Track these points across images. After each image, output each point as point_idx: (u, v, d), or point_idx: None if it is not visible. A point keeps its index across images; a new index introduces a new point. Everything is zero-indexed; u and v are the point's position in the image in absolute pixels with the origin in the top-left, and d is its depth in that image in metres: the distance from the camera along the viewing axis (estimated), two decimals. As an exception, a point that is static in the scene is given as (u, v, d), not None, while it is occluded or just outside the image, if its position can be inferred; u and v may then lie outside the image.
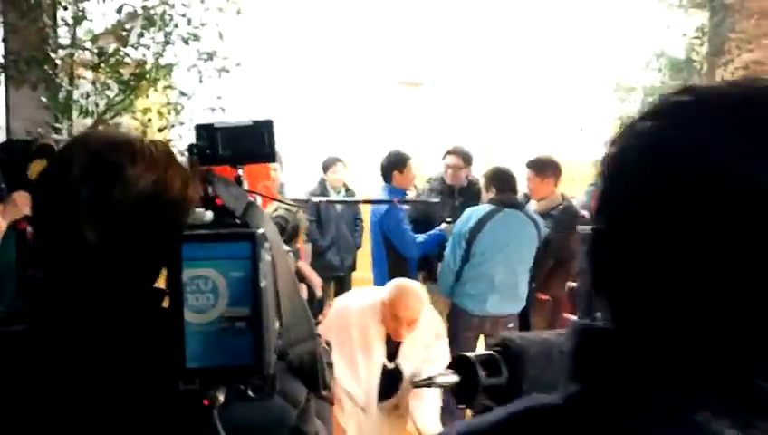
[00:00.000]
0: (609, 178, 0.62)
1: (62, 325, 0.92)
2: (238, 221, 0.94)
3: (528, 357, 0.90)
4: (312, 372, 1.03)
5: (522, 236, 4.34)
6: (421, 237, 4.76)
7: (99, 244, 0.90)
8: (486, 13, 7.77)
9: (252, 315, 0.81)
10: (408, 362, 2.98)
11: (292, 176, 6.84)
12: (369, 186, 7.48)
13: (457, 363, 0.91)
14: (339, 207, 6.39)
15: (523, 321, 4.79)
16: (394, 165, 5.09)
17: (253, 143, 1.27)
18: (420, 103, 7.94)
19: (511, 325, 4.30)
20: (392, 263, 4.73)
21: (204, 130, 1.27)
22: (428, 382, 0.93)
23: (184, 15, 4.54)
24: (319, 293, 1.59)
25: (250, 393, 0.85)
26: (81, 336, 0.91)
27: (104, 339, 0.91)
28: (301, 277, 1.55)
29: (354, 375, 2.90)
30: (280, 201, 1.67)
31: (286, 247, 1.45)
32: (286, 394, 0.96)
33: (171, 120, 5.01)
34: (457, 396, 0.92)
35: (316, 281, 1.59)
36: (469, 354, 0.92)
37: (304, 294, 1.52)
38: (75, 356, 0.91)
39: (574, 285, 5.68)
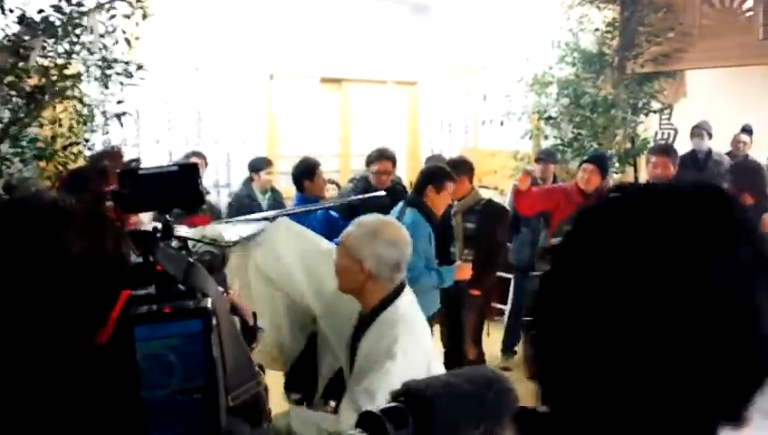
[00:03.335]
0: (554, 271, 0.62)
1: None
2: (182, 287, 0.92)
3: (434, 404, 0.93)
4: (255, 411, 1.09)
5: (417, 232, 4.09)
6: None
7: (34, 307, 0.91)
8: (408, 11, 7.78)
9: (207, 385, 0.84)
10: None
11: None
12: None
13: (365, 420, 0.94)
14: (265, 207, 6.29)
15: (454, 317, 4.85)
16: (303, 174, 5.03)
17: (179, 188, 1.25)
18: (341, 101, 7.88)
19: None
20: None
21: (127, 178, 1.22)
22: None
23: (83, 25, 4.33)
24: (251, 321, 1.53)
25: None
26: (16, 395, 0.91)
27: (41, 398, 0.91)
28: (233, 309, 1.49)
29: None
30: (199, 241, 1.58)
31: (220, 288, 1.40)
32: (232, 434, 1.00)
33: (80, 131, 4.79)
34: None
35: (247, 310, 1.53)
36: (374, 410, 0.95)
37: (237, 325, 1.48)
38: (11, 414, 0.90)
39: (506, 275, 5.83)
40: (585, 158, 5.33)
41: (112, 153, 2.62)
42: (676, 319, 0.53)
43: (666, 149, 4.99)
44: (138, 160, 2.75)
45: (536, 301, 0.62)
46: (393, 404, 0.95)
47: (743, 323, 0.54)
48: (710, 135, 6.54)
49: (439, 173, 4.38)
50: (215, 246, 1.79)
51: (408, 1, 7.70)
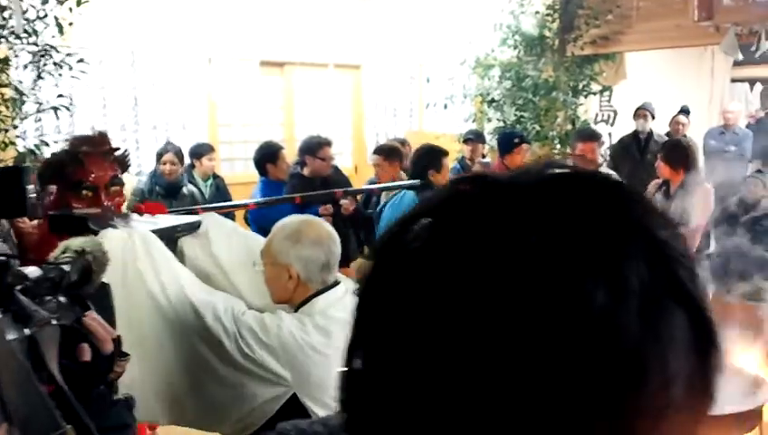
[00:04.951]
0: (365, 307, 0.46)
1: None
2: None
3: None
4: None
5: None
6: None
7: None
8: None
9: None
10: None
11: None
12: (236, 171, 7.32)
13: None
14: (206, 194, 6.16)
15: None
16: (266, 158, 4.95)
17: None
18: (284, 85, 7.74)
19: None
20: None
21: None
22: None
23: (5, 7, 4.13)
24: (108, 348, 1.28)
25: None
26: None
27: None
28: (83, 336, 1.32)
29: None
30: (52, 263, 1.28)
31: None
32: None
33: (6, 118, 4.59)
34: None
35: (103, 335, 1.26)
36: None
37: (88, 354, 1.26)
38: None
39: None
40: (517, 140, 5.16)
41: (94, 138, 2.33)
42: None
43: (592, 135, 5.01)
44: (120, 149, 2.38)
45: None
46: None
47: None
48: (653, 116, 6.64)
49: (432, 154, 4.56)
50: (80, 254, 1.48)
51: (350, -17, 7.58)
